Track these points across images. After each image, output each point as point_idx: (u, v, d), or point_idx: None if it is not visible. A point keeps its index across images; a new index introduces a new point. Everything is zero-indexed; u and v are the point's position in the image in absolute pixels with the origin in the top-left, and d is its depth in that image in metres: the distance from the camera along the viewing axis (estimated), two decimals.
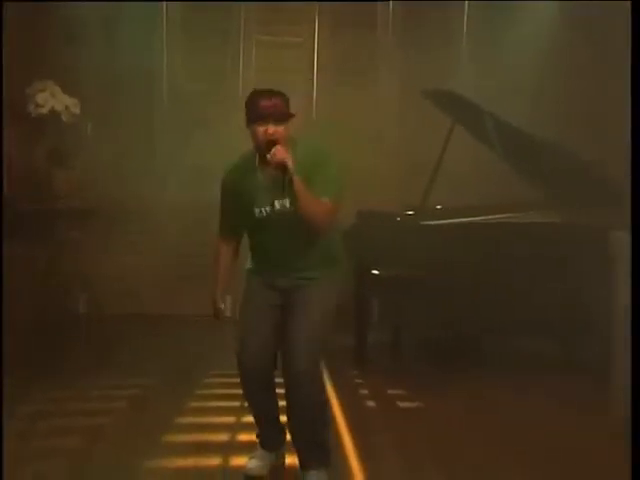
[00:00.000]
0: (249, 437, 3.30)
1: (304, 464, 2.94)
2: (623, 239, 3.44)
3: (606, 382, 3.81)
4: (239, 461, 3.18)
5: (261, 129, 2.78)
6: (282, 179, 2.72)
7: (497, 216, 4.81)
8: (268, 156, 2.74)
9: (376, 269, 4.64)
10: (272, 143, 2.75)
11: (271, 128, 2.77)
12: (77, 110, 5.34)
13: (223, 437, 3.55)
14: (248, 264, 3.07)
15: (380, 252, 4.60)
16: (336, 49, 5.90)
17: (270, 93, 2.83)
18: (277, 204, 2.85)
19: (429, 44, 5.72)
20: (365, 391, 4.43)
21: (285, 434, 3.13)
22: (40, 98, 5.20)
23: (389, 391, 4.37)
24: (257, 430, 3.16)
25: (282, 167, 2.71)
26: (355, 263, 4.83)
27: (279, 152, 2.71)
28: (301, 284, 2.91)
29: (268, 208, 2.86)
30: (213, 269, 3.10)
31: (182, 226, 5.91)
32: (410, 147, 5.71)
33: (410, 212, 4.82)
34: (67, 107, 5.28)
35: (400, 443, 3.56)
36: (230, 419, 3.77)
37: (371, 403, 4.26)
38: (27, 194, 5.35)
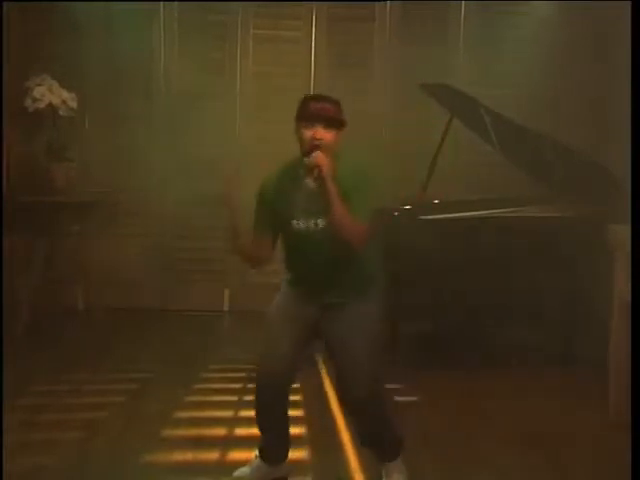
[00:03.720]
0: (247, 431, 3.30)
1: (381, 459, 2.98)
2: (623, 232, 3.43)
3: (606, 375, 3.81)
4: (237, 455, 3.18)
5: (307, 132, 2.61)
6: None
7: (495, 210, 4.81)
8: (306, 160, 2.58)
9: None
10: (315, 148, 2.57)
11: (319, 132, 2.60)
12: (74, 104, 5.32)
13: (221, 431, 3.55)
14: (285, 275, 2.88)
15: None
16: (334, 43, 5.89)
17: (321, 97, 2.68)
18: (319, 220, 2.65)
19: (427, 39, 5.71)
20: None
21: (288, 449, 3.02)
22: (37, 92, 5.18)
23: (386, 385, 4.36)
24: (260, 442, 3.00)
25: (318, 174, 2.53)
26: None
27: (318, 157, 2.54)
28: (339, 302, 2.76)
29: (309, 222, 2.67)
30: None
31: (181, 220, 5.91)
32: (407, 141, 5.70)
33: (408, 207, 4.81)
34: (64, 101, 5.27)
35: None
36: (228, 413, 3.77)
37: None
38: (25, 188, 5.34)
